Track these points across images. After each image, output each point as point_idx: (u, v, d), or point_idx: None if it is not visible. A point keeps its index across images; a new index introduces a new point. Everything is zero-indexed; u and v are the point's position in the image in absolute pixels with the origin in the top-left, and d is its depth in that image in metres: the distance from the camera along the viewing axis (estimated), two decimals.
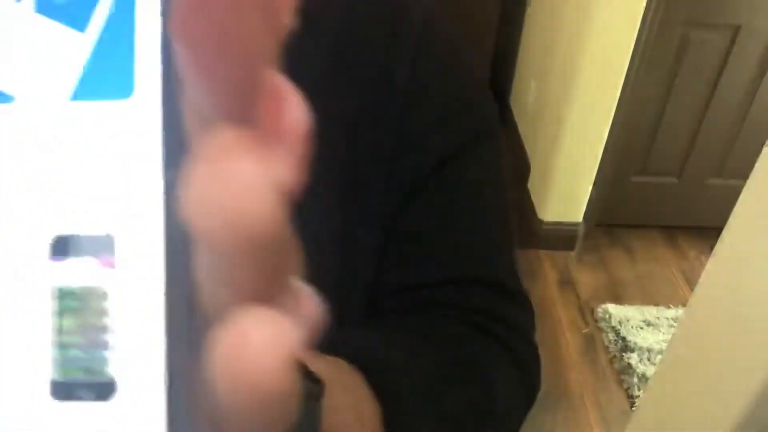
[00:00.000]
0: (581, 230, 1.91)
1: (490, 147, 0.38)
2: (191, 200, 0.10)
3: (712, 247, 0.84)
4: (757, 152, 0.75)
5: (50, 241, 0.12)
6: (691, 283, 1.80)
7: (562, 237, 1.92)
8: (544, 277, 1.84)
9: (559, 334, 1.67)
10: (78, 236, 0.12)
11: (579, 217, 1.89)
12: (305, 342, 0.11)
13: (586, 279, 1.85)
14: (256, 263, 0.11)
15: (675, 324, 1.51)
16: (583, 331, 1.68)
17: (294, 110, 0.11)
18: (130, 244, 0.12)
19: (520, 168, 2.14)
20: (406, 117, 0.35)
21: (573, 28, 1.73)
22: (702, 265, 0.87)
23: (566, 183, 1.83)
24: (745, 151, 1.82)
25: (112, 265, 0.12)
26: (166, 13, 0.12)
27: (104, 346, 0.12)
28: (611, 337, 1.63)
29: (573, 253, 1.93)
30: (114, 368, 0.12)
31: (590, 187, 1.84)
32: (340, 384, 0.25)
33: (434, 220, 0.36)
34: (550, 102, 1.91)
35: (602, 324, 1.68)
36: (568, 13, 1.80)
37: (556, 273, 1.86)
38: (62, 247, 0.12)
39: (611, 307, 1.71)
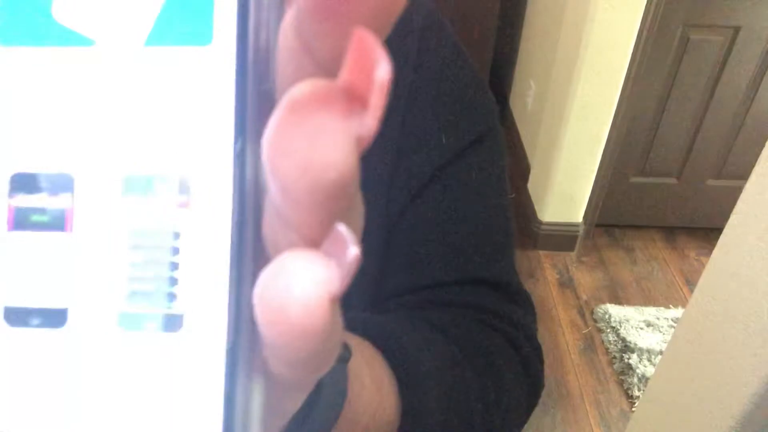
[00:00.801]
0: (581, 231, 1.91)
1: (492, 147, 0.38)
2: (273, 145, 0.11)
3: (711, 248, 0.84)
4: (757, 153, 0.75)
5: (125, 179, 0.13)
6: (691, 283, 1.80)
7: (561, 237, 1.92)
8: (544, 278, 1.84)
9: (558, 335, 1.67)
10: (151, 176, 0.13)
11: (579, 217, 1.90)
12: (343, 286, 0.11)
13: (585, 279, 1.85)
14: (322, 210, 0.11)
15: (674, 324, 1.51)
16: (583, 332, 1.68)
17: (379, 64, 0.11)
18: (203, 185, 0.13)
19: (520, 168, 2.14)
20: (410, 118, 0.35)
21: (573, 29, 1.73)
22: (702, 266, 0.88)
23: (566, 183, 1.83)
24: (745, 152, 1.82)
25: (185, 205, 0.13)
26: None
27: (174, 281, 0.13)
28: (611, 338, 1.63)
29: (573, 254, 1.93)
30: (181, 303, 0.13)
31: (590, 188, 1.84)
32: (362, 355, 0.25)
33: (437, 220, 0.36)
34: (550, 102, 1.91)
35: (602, 324, 1.68)
36: (568, 13, 1.80)
37: (556, 273, 1.86)
38: (137, 186, 0.13)
39: (611, 308, 1.71)
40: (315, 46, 0.11)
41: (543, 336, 1.61)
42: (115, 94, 0.13)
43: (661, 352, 1.52)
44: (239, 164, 0.12)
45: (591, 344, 1.65)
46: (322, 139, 0.11)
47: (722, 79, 1.76)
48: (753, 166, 0.76)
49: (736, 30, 1.69)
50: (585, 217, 1.89)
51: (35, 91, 0.13)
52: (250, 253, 0.13)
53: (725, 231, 0.81)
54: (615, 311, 1.70)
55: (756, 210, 0.75)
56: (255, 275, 0.12)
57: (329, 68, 0.12)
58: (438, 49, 0.36)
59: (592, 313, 1.73)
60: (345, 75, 0.11)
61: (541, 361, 0.39)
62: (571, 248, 1.93)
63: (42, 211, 0.13)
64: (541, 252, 1.92)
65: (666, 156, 1.90)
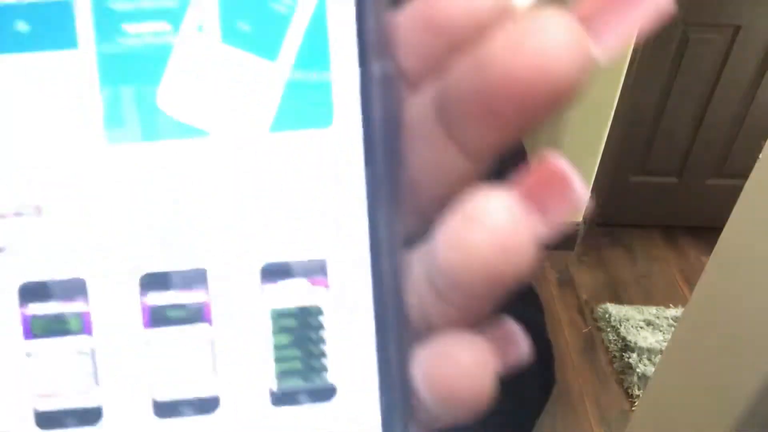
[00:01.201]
0: (581, 230, 1.91)
1: None
2: (453, 247, 0.11)
3: (712, 247, 0.84)
4: (757, 152, 0.75)
5: (261, 268, 0.13)
6: (691, 282, 1.79)
7: (561, 237, 1.92)
8: (544, 277, 1.84)
9: (558, 334, 1.67)
10: (288, 261, 0.13)
11: (579, 216, 1.89)
12: (501, 371, 0.12)
13: (585, 279, 1.85)
14: (493, 298, 0.12)
15: (675, 324, 1.51)
16: (583, 331, 1.68)
17: (572, 188, 0.11)
18: (340, 264, 0.13)
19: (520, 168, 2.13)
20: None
21: None
22: (702, 265, 0.88)
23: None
24: (745, 151, 1.82)
25: (324, 285, 0.13)
26: (361, 36, 0.12)
27: (322, 355, 0.13)
28: (611, 337, 1.63)
29: (573, 253, 1.93)
30: (332, 374, 0.13)
31: (590, 187, 1.84)
32: None
33: None
34: None
35: (602, 324, 1.68)
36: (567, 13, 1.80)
37: (556, 273, 1.86)
38: (273, 273, 0.13)
39: (611, 307, 1.71)
40: (465, 137, 0.12)
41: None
42: (238, 183, 0.12)
43: (661, 352, 1.52)
44: (374, 238, 0.12)
45: (591, 343, 1.65)
46: (508, 245, 0.11)
47: (722, 78, 1.76)
48: (753, 165, 0.76)
49: (737, 29, 1.69)
50: (585, 216, 1.89)
51: (152, 188, 0.12)
52: (394, 318, 0.13)
53: (725, 230, 0.81)
54: (615, 310, 1.70)
55: (756, 209, 0.75)
56: (400, 336, 0.12)
57: (477, 157, 0.12)
58: None
59: (592, 312, 1.73)
60: (529, 181, 0.11)
61: (554, 357, 0.39)
62: (571, 247, 1.93)
63: (179, 307, 0.13)
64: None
65: (666, 155, 1.90)
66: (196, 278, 0.13)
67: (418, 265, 0.12)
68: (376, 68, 0.12)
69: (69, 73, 0.12)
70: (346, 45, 0.12)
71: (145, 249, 0.12)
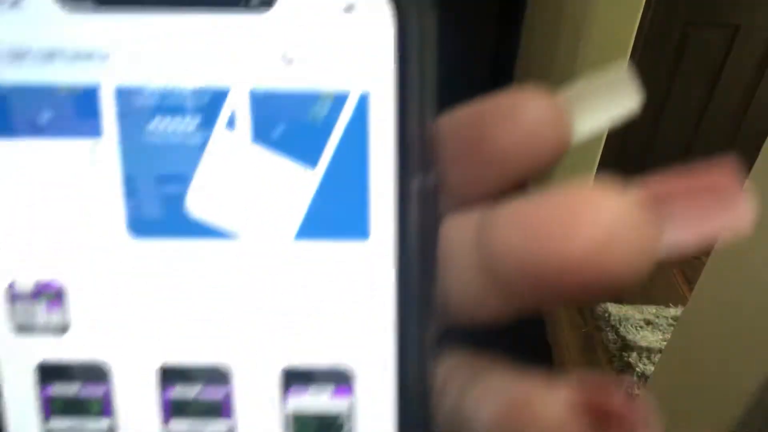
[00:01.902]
0: None
1: None
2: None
3: (711, 246, 0.84)
4: (757, 151, 0.75)
5: (283, 371, 0.13)
6: (691, 282, 1.79)
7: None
8: None
9: (558, 333, 1.67)
10: (311, 367, 0.12)
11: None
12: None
13: None
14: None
15: (674, 323, 1.51)
16: (583, 330, 1.68)
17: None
18: (367, 376, 0.12)
19: None
20: None
21: (572, 28, 1.73)
22: (701, 265, 0.88)
23: (563, 179, 1.83)
24: (744, 150, 1.82)
25: (347, 394, 0.12)
26: (399, 159, 0.12)
27: None
28: (611, 337, 1.63)
29: None
30: None
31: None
32: None
33: None
34: None
35: (602, 323, 1.68)
36: (567, 12, 1.80)
37: None
38: (296, 377, 0.12)
39: (611, 306, 1.71)
40: (509, 293, 0.11)
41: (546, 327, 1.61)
42: (267, 285, 0.12)
43: (660, 351, 1.52)
44: (403, 354, 0.12)
45: (590, 343, 1.65)
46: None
47: (722, 78, 1.75)
48: (753, 164, 0.76)
49: (736, 28, 1.68)
50: None
51: (181, 283, 0.12)
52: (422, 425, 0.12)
53: None
54: (614, 310, 1.70)
55: (756, 208, 0.75)
56: None
57: (518, 306, 0.11)
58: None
59: (591, 311, 1.73)
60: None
61: (552, 361, 0.39)
62: None
63: (199, 402, 0.13)
64: None
65: (665, 154, 1.90)
66: (218, 375, 0.12)
67: (464, 238, 0.12)
68: (417, 183, 0.12)
69: (97, 164, 0.12)
70: (388, 156, 0.12)
71: (169, 342, 0.12)
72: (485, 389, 0.11)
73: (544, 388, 0.11)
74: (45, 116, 0.12)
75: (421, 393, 0.12)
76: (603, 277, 0.10)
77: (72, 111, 0.12)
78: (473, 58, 0.44)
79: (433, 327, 0.12)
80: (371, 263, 0.12)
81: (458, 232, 0.12)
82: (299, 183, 0.12)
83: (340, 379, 0.12)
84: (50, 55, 0.11)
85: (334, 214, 0.12)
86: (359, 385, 0.12)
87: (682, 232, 0.11)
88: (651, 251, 0.10)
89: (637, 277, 0.10)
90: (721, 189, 0.11)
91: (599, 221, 0.10)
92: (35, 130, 0.12)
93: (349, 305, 0.12)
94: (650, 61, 1.69)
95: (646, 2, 1.57)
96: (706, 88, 1.78)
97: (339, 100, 0.11)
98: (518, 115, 0.11)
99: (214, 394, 0.12)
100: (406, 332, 0.12)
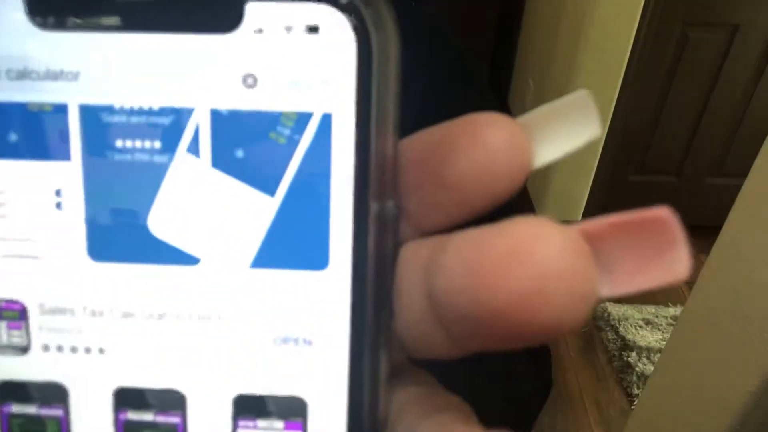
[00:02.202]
0: None
1: None
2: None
3: (710, 246, 0.84)
4: (756, 151, 0.75)
5: (234, 399, 0.12)
6: (690, 281, 1.79)
7: None
8: None
9: None
10: (263, 396, 0.12)
11: (578, 216, 1.89)
12: None
13: None
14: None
15: (674, 323, 1.51)
16: (582, 330, 1.68)
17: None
18: (319, 408, 0.12)
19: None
20: (420, 120, 0.35)
21: (571, 27, 1.73)
22: (701, 264, 0.88)
23: (565, 182, 1.83)
24: (744, 149, 1.82)
25: (299, 429, 0.12)
26: (360, 185, 0.12)
27: None
28: (610, 336, 1.63)
29: None
30: None
31: (589, 186, 1.84)
32: None
33: None
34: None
35: (601, 323, 1.68)
36: (566, 12, 1.80)
37: None
38: (248, 406, 0.12)
39: (610, 306, 1.71)
40: (455, 335, 0.11)
41: None
42: (223, 312, 0.12)
43: (660, 351, 1.52)
44: (355, 385, 0.12)
45: (590, 343, 1.65)
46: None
47: (721, 77, 1.75)
48: (752, 163, 0.76)
49: (735, 28, 1.69)
50: (584, 215, 1.89)
51: (135, 309, 0.12)
52: None
53: (724, 229, 0.81)
54: (614, 309, 1.70)
55: (755, 208, 0.75)
56: None
57: (465, 348, 0.11)
58: (443, 51, 0.37)
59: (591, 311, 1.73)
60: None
61: (551, 359, 0.39)
62: None
63: (153, 425, 0.12)
64: None
65: (665, 154, 1.90)
66: (172, 400, 0.12)
67: (415, 275, 0.12)
68: (378, 210, 0.12)
69: (58, 184, 0.12)
70: (350, 181, 0.11)
71: (126, 365, 0.12)
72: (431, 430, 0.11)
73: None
74: (12, 135, 0.12)
75: (374, 425, 0.12)
76: (536, 322, 0.10)
77: (41, 131, 0.12)
78: (472, 61, 0.43)
79: (387, 358, 0.12)
80: (328, 292, 0.12)
81: (410, 264, 0.12)
82: (259, 210, 0.12)
83: (291, 410, 0.12)
84: (22, 73, 0.11)
85: (293, 243, 0.12)
86: (311, 415, 0.12)
87: (620, 277, 0.11)
88: (587, 296, 0.10)
89: (575, 322, 0.10)
90: (660, 230, 0.11)
91: (532, 265, 0.10)
92: (2, 149, 0.12)
93: (303, 334, 0.12)
94: (649, 60, 1.69)
95: (645, 2, 1.57)
96: (705, 88, 1.78)
97: (301, 120, 0.11)
98: (478, 140, 0.11)
99: (168, 418, 0.12)
100: (361, 364, 0.12)
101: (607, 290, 0.11)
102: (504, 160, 0.11)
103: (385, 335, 0.12)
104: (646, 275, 0.11)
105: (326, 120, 0.11)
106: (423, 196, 0.12)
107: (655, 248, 0.11)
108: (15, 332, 0.12)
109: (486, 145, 0.11)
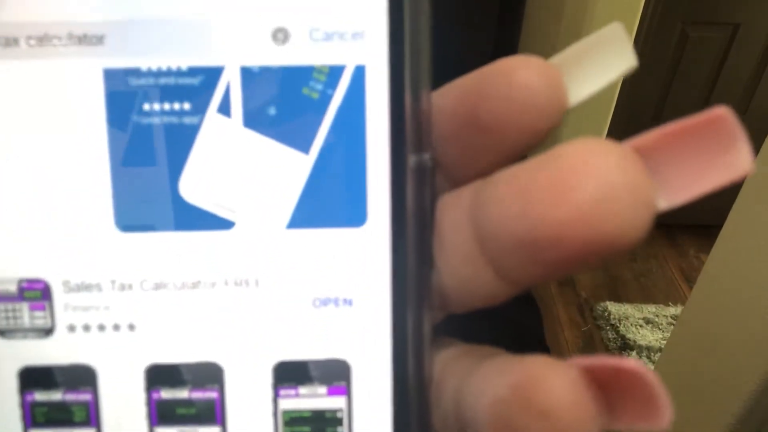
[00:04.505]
0: None
1: None
2: None
3: (711, 246, 0.84)
4: (757, 150, 0.75)
5: (275, 367, 0.12)
6: (690, 281, 1.79)
7: None
8: None
9: (558, 333, 1.67)
10: (306, 362, 0.12)
11: None
12: None
13: (585, 277, 1.85)
14: None
15: (674, 322, 1.51)
16: (583, 329, 1.68)
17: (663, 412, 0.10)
18: (362, 370, 0.12)
19: None
20: None
21: (571, 26, 1.72)
22: (701, 263, 0.87)
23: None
24: None
25: (343, 392, 0.12)
26: (396, 137, 0.11)
27: None
28: (611, 335, 1.63)
29: None
30: None
31: None
32: None
33: None
34: None
35: (601, 322, 1.68)
36: (567, 11, 1.80)
37: None
38: (289, 373, 0.12)
39: (610, 305, 1.71)
40: (505, 269, 0.11)
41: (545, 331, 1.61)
42: (260, 277, 0.12)
43: (660, 350, 1.52)
44: (399, 345, 0.12)
45: (591, 342, 1.65)
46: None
47: (722, 76, 1.75)
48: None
49: (736, 27, 1.68)
50: None
51: (166, 280, 0.12)
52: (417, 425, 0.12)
53: (724, 228, 0.81)
54: (614, 309, 1.70)
55: (755, 207, 0.75)
56: None
57: (516, 283, 0.11)
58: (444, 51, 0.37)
59: (591, 310, 1.73)
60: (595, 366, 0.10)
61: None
62: None
63: (188, 403, 0.12)
64: None
65: None
66: (209, 374, 0.12)
67: (457, 219, 0.11)
68: (415, 162, 0.11)
69: (82, 152, 0.11)
70: (385, 134, 0.11)
71: (158, 340, 0.12)
72: (486, 375, 0.11)
73: (549, 366, 0.10)
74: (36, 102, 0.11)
75: (420, 384, 0.12)
76: (599, 241, 0.09)
77: (63, 96, 0.11)
78: (471, 58, 0.43)
79: (430, 315, 0.12)
80: (367, 249, 0.12)
81: (451, 210, 0.11)
82: (293, 168, 0.11)
83: (334, 373, 0.12)
84: (43, 38, 0.11)
85: (330, 200, 0.11)
86: (355, 378, 0.12)
87: (676, 186, 0.11)
88: (648, 207, 0.10)
89: (637, 236, 0.10)
90: (719, 129, 0.10)
91: (590, 183, 0.09)
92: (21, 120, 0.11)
93: (343, 294, 0.12)
94: (650, 59, 1.68)
95: (645, 1, 1.57)
96: (705, 87, 1.78)
97: (334, 74, 0.11)
98: (512, 83, 0.11)
99: (205, 394, 0.12)
100: (404, 321, 0.12)
101: (664, 202, 0.11)
102: (541, 98, 0.11)
103: (427, 289, 0.12)
104: (707, 178, 0.11)
105: (359, 72, 0.11)
106: (459, 144, 0.11)
107: (715, 149, 0.11)
108: (38, 313, 0.12)
109: (522, 84, 0.11)
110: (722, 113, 0.11)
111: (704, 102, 1.80)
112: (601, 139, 0.10)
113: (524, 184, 0.10)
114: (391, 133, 0.11)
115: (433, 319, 0.12)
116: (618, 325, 1.65)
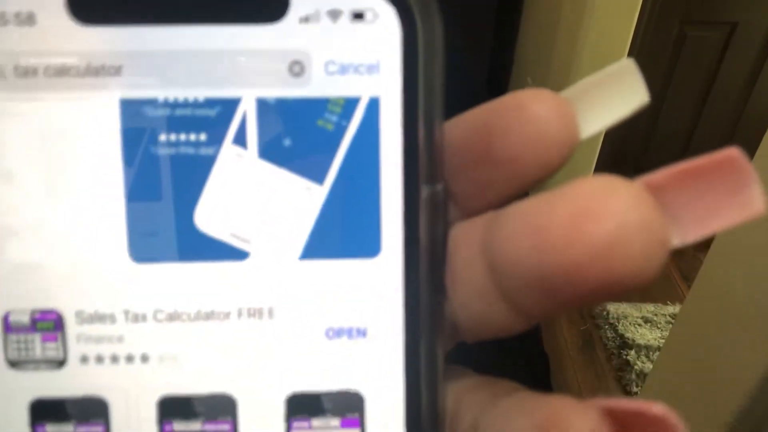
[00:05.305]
0: None
1: None
2: None
3: (708, 244, 0.84)
4: (754, 149, 0.75)
5: (286, 401, 0.12)
6: (689, 280, 1.80)
7: None
8: None
9: (557, 332, 1.67)
10: (317, 394, 0.12)
11: None
12: None
13: None
14: None
15: (672, 321, 1.51)
16: (581, 328, 1.68)
17: None
18: (376, 402, 0.12)
19: None
20: None
21: (569, 25, 1.73)
22: (699, 262, 0.88)
23: (563, 181, 1.82)
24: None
25: (356, 425, 0.12)
26: (409, 168, 0.11)
27: None
28: (609, 334, 1.63)
29: None
30: None
31: None
32: None
33: None
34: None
35: (600, 321, 1.68)
36: (565, 10, 1.80)
37: None
38: (303, 405, 0.12)
39: (609, 304, 1.71)
40: (517, 302, 0.11)
41: (542, 333, 1.61)
42: (272, 308, 0.12)
43: (659, 349, 1.52)
44: (412, 373, 0.12)
45: (589, 341, 1.65)
46: None
47: (719, 75, 1.76)
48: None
49: (734, 26, 1.69)
50: None
51: (179, 311, 0.12)
52: None
53: None
54: (613, 308, 1.70)
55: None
56: None
57: (528, 316, 0.11)
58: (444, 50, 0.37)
59: (590, 309, 1.73)
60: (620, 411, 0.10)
61: (548, 365, 0.39)
62: None
63: None
64: None
65: (663, 153, 1.90)
66: (222, 407, 0.12)
67: (469, 252, 0.11)
68: (428, 193, 0.11)
69: (99, 180, 0.11)
70: (398, 165, 0.11)
71: (170, 371, 0.12)
72: (507, 413, 0.11)
73: (572, 408, 0.10)
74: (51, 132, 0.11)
75: (433, 416, 0.12)
76: (612, 281, 0.10)
77: (80, 125, 0.11)
78: (470, 62, 0.43)
79: (443, 345, 0.12)
80: (380, 280, 0.12)
81: (464, 242, 0.12)
82: (307, 199, 0.11)
83: (347, 406, 0.12)
84: (61, 70, 0.11)
85: (344, 231, 0.11)
86: (368, 410, 0.12)
87: (689, 224, 0.11)
88: (662, 246, 0.10)
89: (650, 274, 0.10)
90: (731, 170, 0.11)
91: (605, 223, 0.09)
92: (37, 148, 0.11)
93: (357, 325, 0.12)
94: (648, 59, 1.69)
95: (643, 0, 1.57)
96: (703, 86, 1.78)
97: (349, 106, 0.11)
98: (526, 114, 0.11)
99: (217, 426, 0.12)
100: (417, 352, 0.12)
101: (678, 240, 0.10)
102: (553, 131, 0.11)
103: (441, 321, 0.12)
104: (719, 217, 0.10)
105: (374, 104, 0.11)
106: (471, 175, 0.12)
107: (727, 189, 0.10)
108: (50, 344, 0.12)
109: (534, 117, 0.11)
110: (734, 154, 0.11)
111: (702, 101, 1.80)
112: (614, 177, 0.10)
113: (538, 221, 0.10)
114: (405, 165, 0.11)
115: (445, 348, 0.12)
116: (617, 324, 1.65)
